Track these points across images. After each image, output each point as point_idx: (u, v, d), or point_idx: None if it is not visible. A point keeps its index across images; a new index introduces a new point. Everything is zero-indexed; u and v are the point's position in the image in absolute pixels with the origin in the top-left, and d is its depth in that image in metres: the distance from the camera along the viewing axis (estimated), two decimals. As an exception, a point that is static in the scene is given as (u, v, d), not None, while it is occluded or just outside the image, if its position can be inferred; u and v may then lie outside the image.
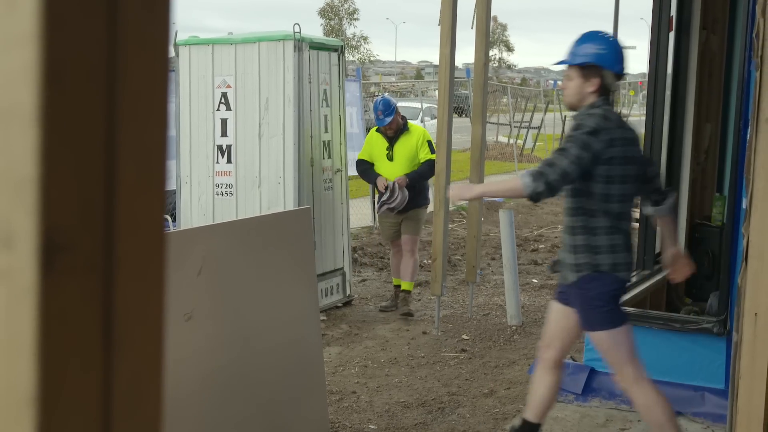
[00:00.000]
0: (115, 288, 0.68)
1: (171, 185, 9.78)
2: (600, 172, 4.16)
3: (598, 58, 4.23)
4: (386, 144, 8.68)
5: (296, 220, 5.46)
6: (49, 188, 0.63)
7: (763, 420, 3.05)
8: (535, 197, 4.08)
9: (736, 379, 3.13)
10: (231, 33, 9.16)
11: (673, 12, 7.40)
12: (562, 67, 4.41)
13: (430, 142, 8.60)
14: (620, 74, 4.33)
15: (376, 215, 9.45)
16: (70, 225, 0.65)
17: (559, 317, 4.52)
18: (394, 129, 8.63)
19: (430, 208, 8.36)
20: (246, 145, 8.55)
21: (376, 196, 9.29)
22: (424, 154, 8.60)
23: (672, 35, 7.48)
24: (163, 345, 0.73)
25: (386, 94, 9.86)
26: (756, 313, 3.01)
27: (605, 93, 4.27)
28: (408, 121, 8.90)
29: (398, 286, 9.01)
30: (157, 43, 0.69)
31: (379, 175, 8.65)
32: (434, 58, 8.63)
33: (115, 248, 0.68)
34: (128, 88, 0.67)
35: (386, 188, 8.52)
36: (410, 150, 8.63)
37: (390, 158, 8.65)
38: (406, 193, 8.52)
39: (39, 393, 0.64)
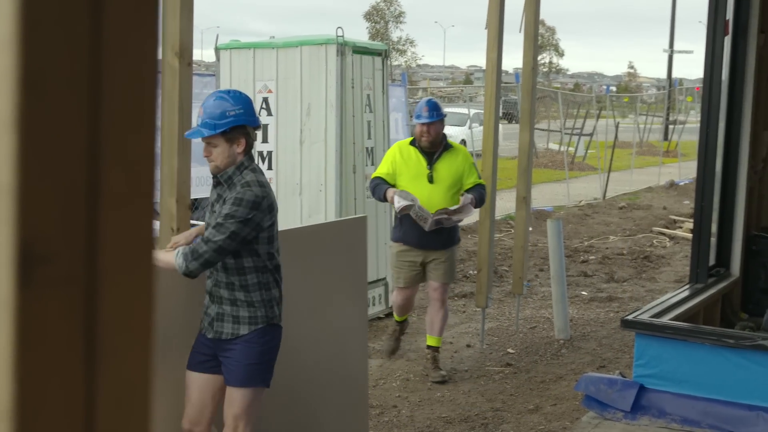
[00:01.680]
0: (97, 301, 0.68)
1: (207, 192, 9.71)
2: (264, 235, 4.25)
3: (238, 118, 4.21)
4: (425, 161, 7.08)
5: (352, 229, 5.41)
6: (28, 197, 0.63)
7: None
8: (190, 276, 4.14)
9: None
10: (273, 37, 9.06)
11: (730, 15, 7.21)
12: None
13: (474, 165, 7.33)
14: (257, 126, 4.37)
15: (395, 249, 7.34)
16: (49, 235, 0.65)
17: (204, 389, 4.35)
18: (432, 136, 7.04)
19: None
20: (287, 152, 8.43)
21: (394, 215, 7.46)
22: (474, 179, 7.14)
23: (728, 39, 7.29)
24: (150, 360, 0.72)
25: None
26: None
27: (250, 149, 4.31)
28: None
29: (403, 322, 7.59)
30: (143, 50, 0.69)
31: (389, 186, 7.06)
32: (484, 62, 8.49)
33: (97, 260, 0.67)
34: (113, 95, 0.67)
35: (402, 208, 6.91)
36: (456, 172, 7.10)
37: (431, 180, 7.04)
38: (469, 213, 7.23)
39: (16, 409, 0.64)
